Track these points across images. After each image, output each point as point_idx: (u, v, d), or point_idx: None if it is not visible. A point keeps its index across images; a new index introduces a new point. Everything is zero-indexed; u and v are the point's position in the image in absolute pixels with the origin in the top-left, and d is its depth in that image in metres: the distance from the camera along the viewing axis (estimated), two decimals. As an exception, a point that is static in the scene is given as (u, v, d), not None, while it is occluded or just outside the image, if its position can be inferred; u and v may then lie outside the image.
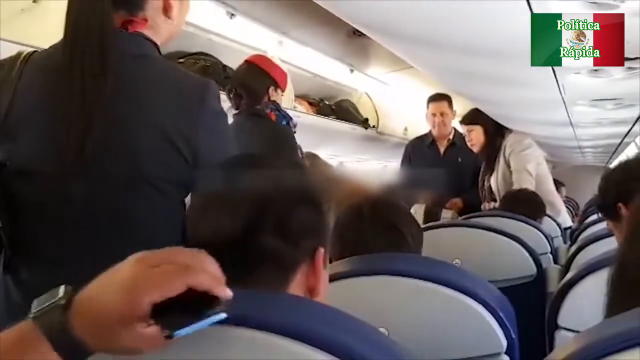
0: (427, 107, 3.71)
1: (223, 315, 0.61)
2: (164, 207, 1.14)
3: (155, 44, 1.18)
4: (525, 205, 2.73)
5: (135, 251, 1.13)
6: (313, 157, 2.93)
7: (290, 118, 2.54)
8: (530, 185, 3.16)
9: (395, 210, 1.33)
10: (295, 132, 2.54)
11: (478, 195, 3.47)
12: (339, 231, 1.28)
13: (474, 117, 3.42)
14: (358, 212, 1.31)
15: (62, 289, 0.63)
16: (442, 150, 3.69)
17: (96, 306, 0.60)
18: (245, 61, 2.53)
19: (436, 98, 3.68)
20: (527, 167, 3.26)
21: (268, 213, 0.74)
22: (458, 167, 3.56)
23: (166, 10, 1.19)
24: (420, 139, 3.83)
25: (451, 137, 3.69)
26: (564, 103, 2.38)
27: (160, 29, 1.20)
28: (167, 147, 1.11)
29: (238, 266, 0.64)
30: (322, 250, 0.79)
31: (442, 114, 3.63)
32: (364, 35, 1.70)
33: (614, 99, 2.31)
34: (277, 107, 2.49)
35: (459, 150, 3.63)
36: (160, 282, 0.60)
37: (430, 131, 3.73)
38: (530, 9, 1.16)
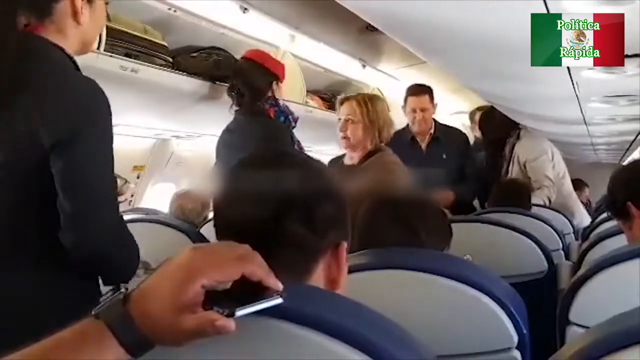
0: (405, 100, 3.24)
1: (280, 300, 0.62)
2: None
3: (60, 48, 1.18)
4: (515, 195, 2.77)
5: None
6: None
7: (290, 113, 2.53)
8: (553, 191, 3.20)
9: (414, 207, 1.32)
10: (295, 127, 2.53)
11: (470, 188, 3.22)
12: (357, 224, 1.28)
13: (481, 126, 3.52)
14: (378, 206, 1.32)
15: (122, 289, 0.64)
16: (424, 146, 3.26)
17: (152, 293, 0.61)
18: (244, 58, 2.53)
19: (416, 92, 3.22)
20: (546, 173, 3.30)
21: (295, 202, 0.75)
22: (444, 164, 3.17)
23: (75, 15, 1.21)
24: (398, 134, 3.10)
25: (432, 131, 3.25)
26: (578, 99, 2.36)
27: (69, 34, 1.21)
28: (38, 153, 1.12)
29: (263, 252, 0.65)
30: (345, 244, 0.81)
31: (422, 109, 3.19)
32: (377, 30, 1.70)
33: (628, 95, 2.29)
34: (276, 103, 2.49)
35: (444, 146, 3.23)
36: (218, 265, 0.61)
37: (408, 126, 3.27)
38: (547, 8, 1.15)
